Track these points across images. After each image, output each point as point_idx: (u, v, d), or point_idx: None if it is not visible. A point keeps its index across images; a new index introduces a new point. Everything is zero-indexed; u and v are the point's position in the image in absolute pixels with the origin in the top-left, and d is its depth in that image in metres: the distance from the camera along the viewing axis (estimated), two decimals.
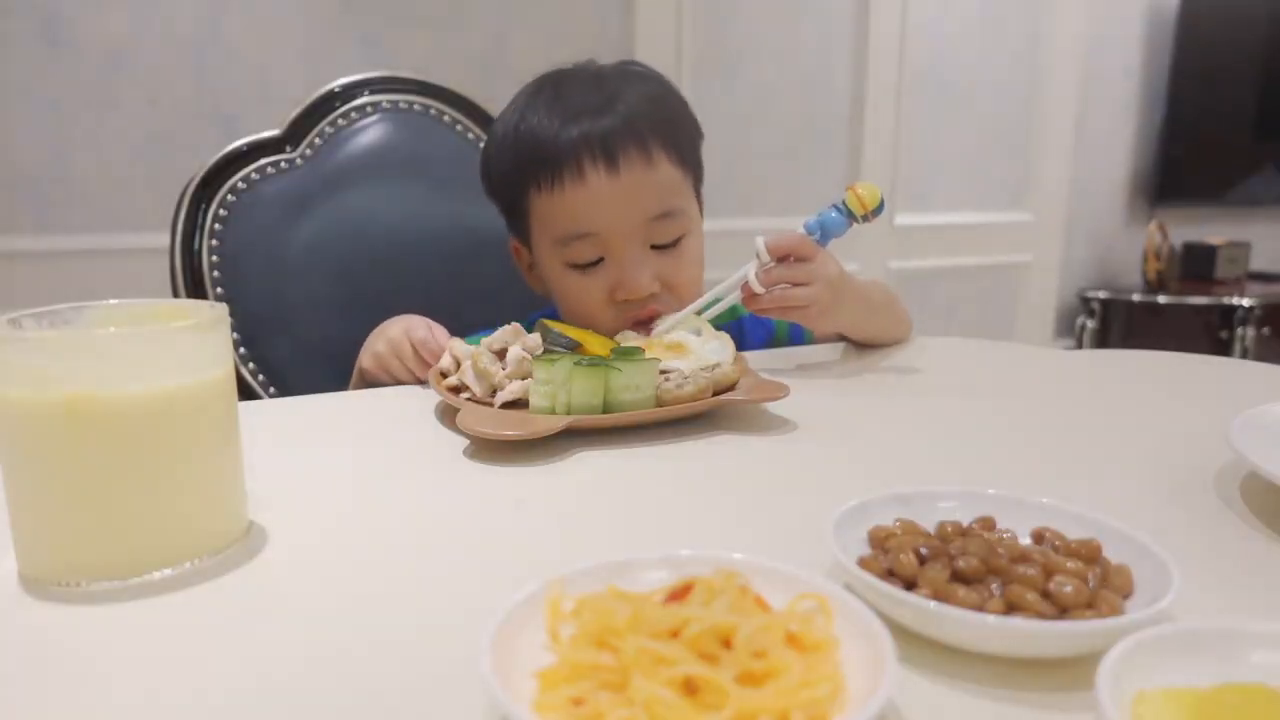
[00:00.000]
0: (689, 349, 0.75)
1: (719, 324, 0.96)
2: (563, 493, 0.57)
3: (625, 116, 0.85)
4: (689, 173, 0.91)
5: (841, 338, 0.97)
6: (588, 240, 0.86)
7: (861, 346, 0.96)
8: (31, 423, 0.42)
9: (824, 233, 0.82)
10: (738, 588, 0.35)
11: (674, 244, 0.88)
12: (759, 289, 0.80)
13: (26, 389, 0.41)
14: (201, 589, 0.43)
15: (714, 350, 0.75)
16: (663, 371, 0.69)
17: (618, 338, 0.82)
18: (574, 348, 0.74)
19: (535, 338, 0.75)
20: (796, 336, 1.02)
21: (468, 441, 0.65)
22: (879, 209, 0.81)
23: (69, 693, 0.35)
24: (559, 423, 0.63)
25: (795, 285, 0.81)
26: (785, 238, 0.81)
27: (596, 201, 0.84)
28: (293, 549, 0.48)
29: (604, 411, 0.66)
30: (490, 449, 0.63)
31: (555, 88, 0.89)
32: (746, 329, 1.01)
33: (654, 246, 0.88)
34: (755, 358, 0.89)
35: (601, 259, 0.87)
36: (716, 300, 0.85)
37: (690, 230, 0.90)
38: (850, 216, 0.81)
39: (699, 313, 0.84)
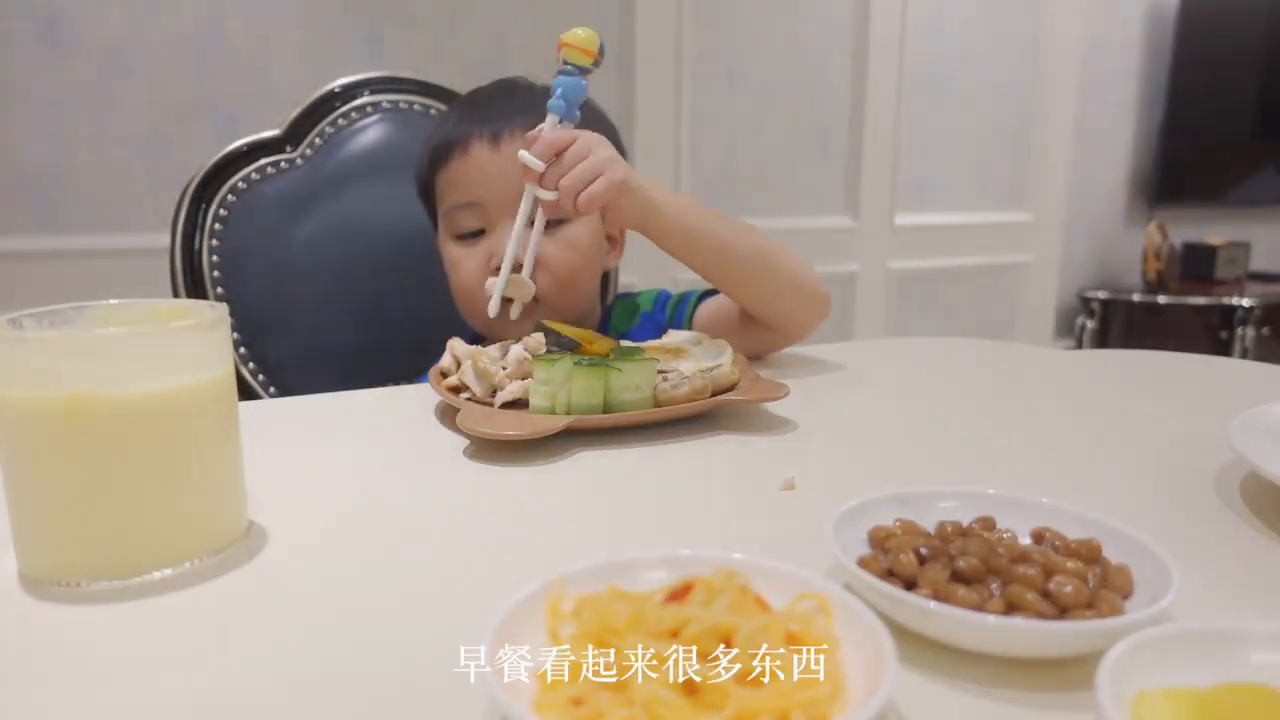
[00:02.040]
0: (688, 352, 0.76)
1: (619, 330, 0.97)
2: (563, 493, 0.57)
3: (526, 111, 0.88)
4: None
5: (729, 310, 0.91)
6: (471, 210, 0.91)
7: (748, 310, 0.88)
8: (32, 423, 0.42)
9: (568, 103, 0.78)
10: (738, 588, 0.35)
11: (556, 225, 0.91)
12: (551, 196, 0.77)
13: (27, 389, 0.41)
14: (201, 589, 0.43)
15: (713, 354, 0.75)
16: (661, 372, 0.69)
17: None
18: (574, 348, 0.74)
19: (537, 338, 0.75)
20: (678, 321, 0.98)
21: (468, 441, 0.65)
22: (602, 49, 0.78)
23: (68, 692, 0.35)
24: (559, 423, 0.63)
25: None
26: (544, 139, 0.77)
27: (479, 170, 0.90)
28: (293, 549, 0.48)
29: (604, 411, 0.66)
30: (490, 449, 0.63)
31: (472, 94, 0.99)
32: (640, 336, 0.99)
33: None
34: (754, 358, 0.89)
35: (483, 231, 0.91)
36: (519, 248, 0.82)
37: (575, 218, 0.90)
38: (582, 71, 0.78)
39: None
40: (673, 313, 0.99)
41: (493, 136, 0.90)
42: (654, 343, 0.79)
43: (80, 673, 0.36)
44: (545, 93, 0.81)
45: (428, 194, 0.99)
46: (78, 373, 0.41)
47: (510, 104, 0.93)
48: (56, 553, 0.43)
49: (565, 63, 0.78)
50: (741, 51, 2.55)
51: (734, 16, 2.52)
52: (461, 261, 0.93)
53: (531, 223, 0.82)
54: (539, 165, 0.77)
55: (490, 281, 0.82)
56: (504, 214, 0.88)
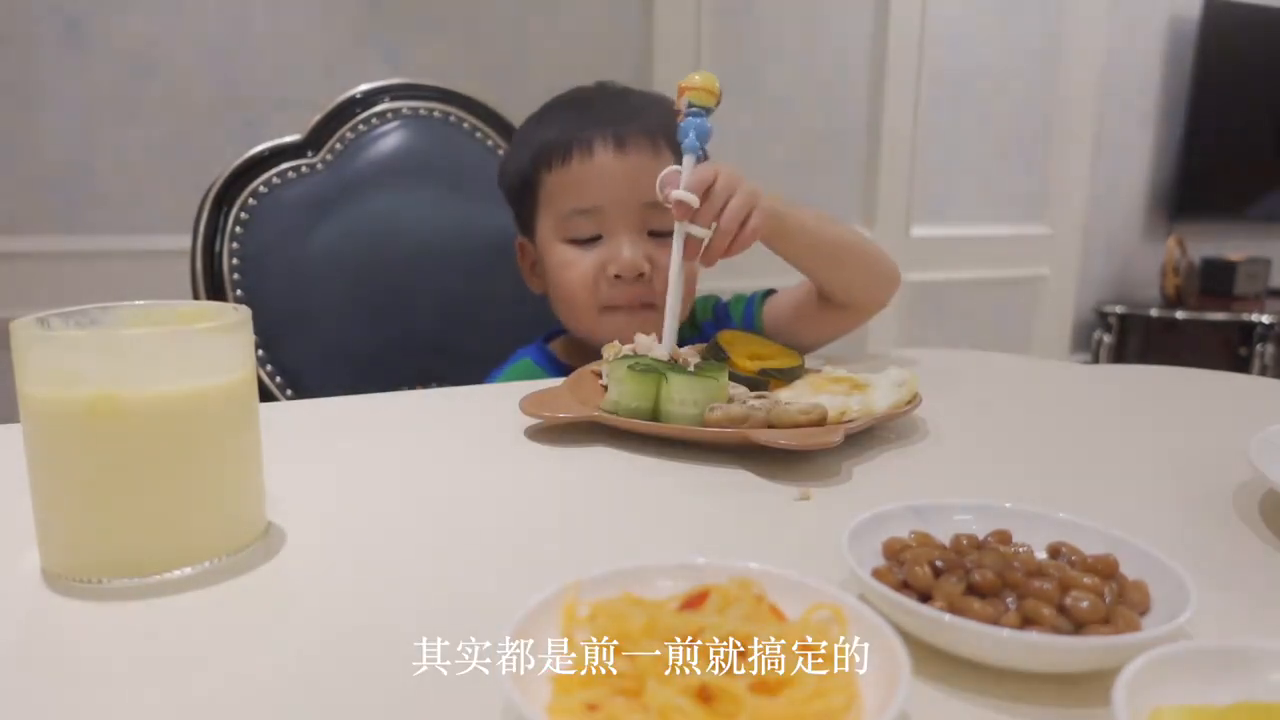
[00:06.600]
0: (870, 386, 0.70)
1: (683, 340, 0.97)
2: (581, 496, 0.57)
3: (639, 116, 0.91)
4: None
5: (826, 306, 0.92)
6: (589, 216, 0.91)
7: (834, 296, 0.90)
8: (57, 421, 0.42)
9: (701, 143, 0.80)
10: (753, 597, 0.35)
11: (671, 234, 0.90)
12: (704, 233, 0.78)
13: (53, 387, 0.42)
14: (220, 588, 0.43)
15: (883, 396, 0.68)
16: (760, 396, 0.66)
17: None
18: (725, 359, 0.74)
19: (696, 348, 0.78)
20: (748, 323, 0.98)
21: (482, 444, 0.66)
22: (720, 89, 0.81)
23: (88, 688, 0.36)
24: (579, 413, 0.66)
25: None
26: (694, 176, 0.78)
27: (601, 176, 0.89)
28: (309, 549, 0.48)
29: (652, 418, 0.66)
30: (528, 438, 0.65)
31: (577, 95, 0.97)
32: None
33: (651, 234, 0.91)
34: None
35: (599, 237, 0.91)
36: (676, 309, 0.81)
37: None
38: (707, 111, 0.80)
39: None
40: (741, 316, 1.00)
41: (617, 139, 0.90)
42: (841, 372, 0.74)
43: (98, 668, 0.37)
44: (652, 97, 0.89)
45: (526, 193, 0.96)
46: (103, 372, 0.42)
47: (628, 105, 0.94)
48: (78, 550, 0.43)
49: (690, 105, 0.80)
50: (758, 62, 2.56)
51: (751, 27, 2.53)
52: (574, 264, 0.92)
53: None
54: (695, 201, 0.77)
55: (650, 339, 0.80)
56: (621, 221, 0.90)
